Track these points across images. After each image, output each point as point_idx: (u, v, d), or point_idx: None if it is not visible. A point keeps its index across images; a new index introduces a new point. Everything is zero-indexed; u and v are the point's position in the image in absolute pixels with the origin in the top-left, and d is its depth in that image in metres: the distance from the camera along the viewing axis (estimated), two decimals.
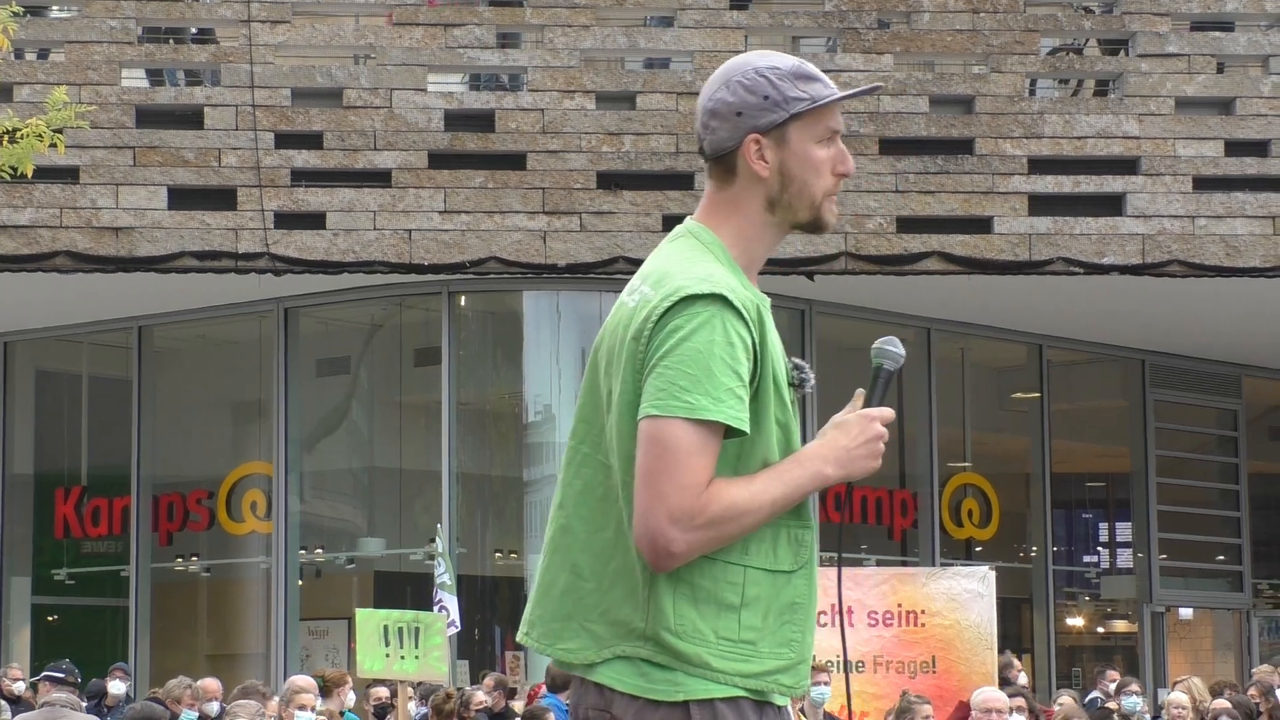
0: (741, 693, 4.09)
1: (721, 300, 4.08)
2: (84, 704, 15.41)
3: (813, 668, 16.86)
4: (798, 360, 4.43)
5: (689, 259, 4.27)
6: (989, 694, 14.15)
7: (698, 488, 3.96)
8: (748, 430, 4.05)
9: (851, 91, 4.51)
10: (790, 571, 4.17)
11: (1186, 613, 28.73)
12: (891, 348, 4.43)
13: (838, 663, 18.10)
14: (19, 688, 19.42)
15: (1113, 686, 20.46)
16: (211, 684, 17.79)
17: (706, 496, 3.97)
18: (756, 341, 4.14)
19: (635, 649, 4.08)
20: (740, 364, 4.05)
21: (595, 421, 4.30)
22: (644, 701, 4.08)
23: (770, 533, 4.13)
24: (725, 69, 4.36)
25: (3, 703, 18.22)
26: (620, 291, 4.26)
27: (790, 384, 4.34)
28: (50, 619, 26.77)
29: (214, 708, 17.01)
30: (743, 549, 4.08)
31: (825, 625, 18.63)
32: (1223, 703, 16.88)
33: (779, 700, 4.22)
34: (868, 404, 4.36)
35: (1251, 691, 18.50)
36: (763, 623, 4.11)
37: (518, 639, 4.37)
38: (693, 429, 3.96)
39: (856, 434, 4.28)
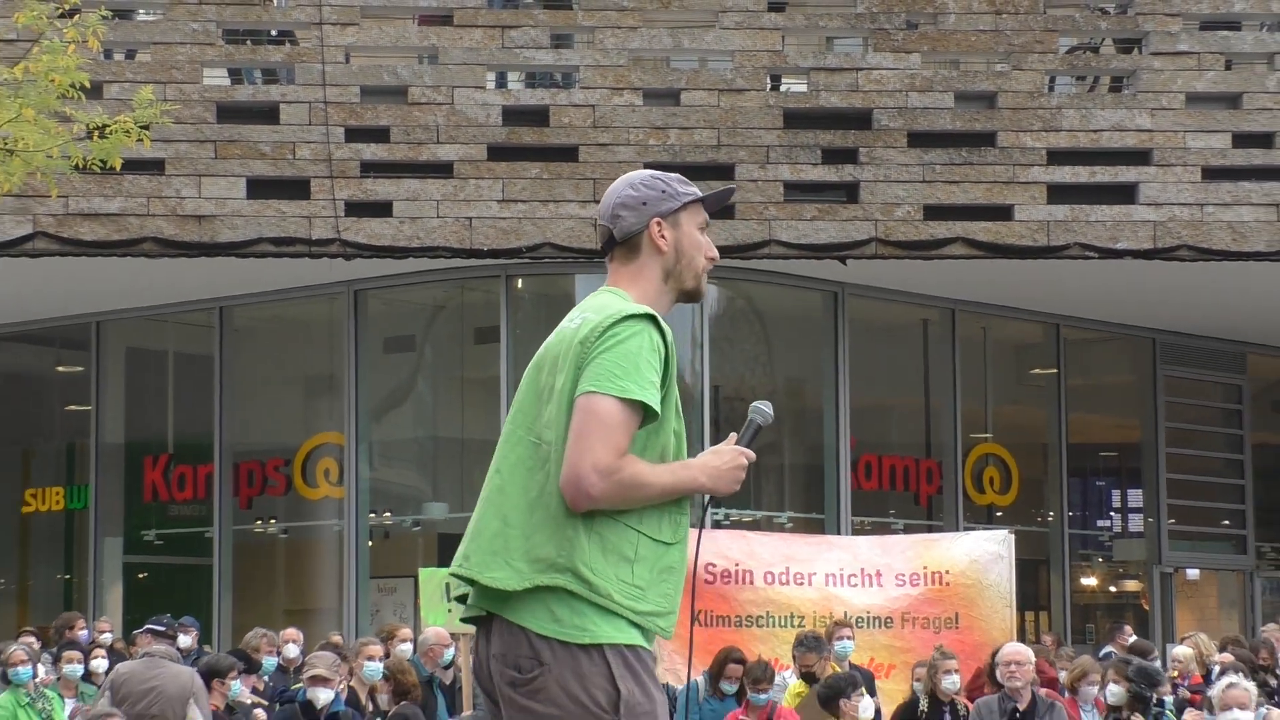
0: (636, 638, 4.77)
1: (650, 318, 4.90)
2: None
3: (836, 623, 17.02)
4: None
5: (622, 299, 5.06)
6: (1012, 648, 14.18)
7: (619, 450, 4.72)
8: (658, 412, 4.83)
9: (714, 192, 5.41)
10: (669, 544, 4.91)
11: (1193, 574, 28.69)
12: (765, 408, 5.30)
13: (866, 619, 18.17)
14: (106, 638, 19.53)
15: (1130, 641, 20.45)
16: (291, 631, 17.91)
17: (623, 460, 4.73)
18: (669, 359, 4.92)
19: (552, 579, 4.72)
20: (656, 369, 4.84)
21: (530, 411, 5.03)
22: (570, 649, 4.70)
23: (657, 512, 4.87)
24: (626, 178, 5.26)
25: (103, 652, 18.34)
26: None
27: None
28: (140, 576, 26.90)
29: (292, 649, 17.11)
30: (639, 518, 4.83)
31: (856, 585, 18.73)
32: (1226, 656, 16.88)
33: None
34: (739, 443, 5.14)
35: (1263, 654, 18.45)
36: (649, 576, 4.82)
37: (452, 569, 5.02)
38: (620, 406, 4.74)
39: (728, 460, 5.05)
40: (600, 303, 5.00)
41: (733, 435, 5.13)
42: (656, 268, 5.12)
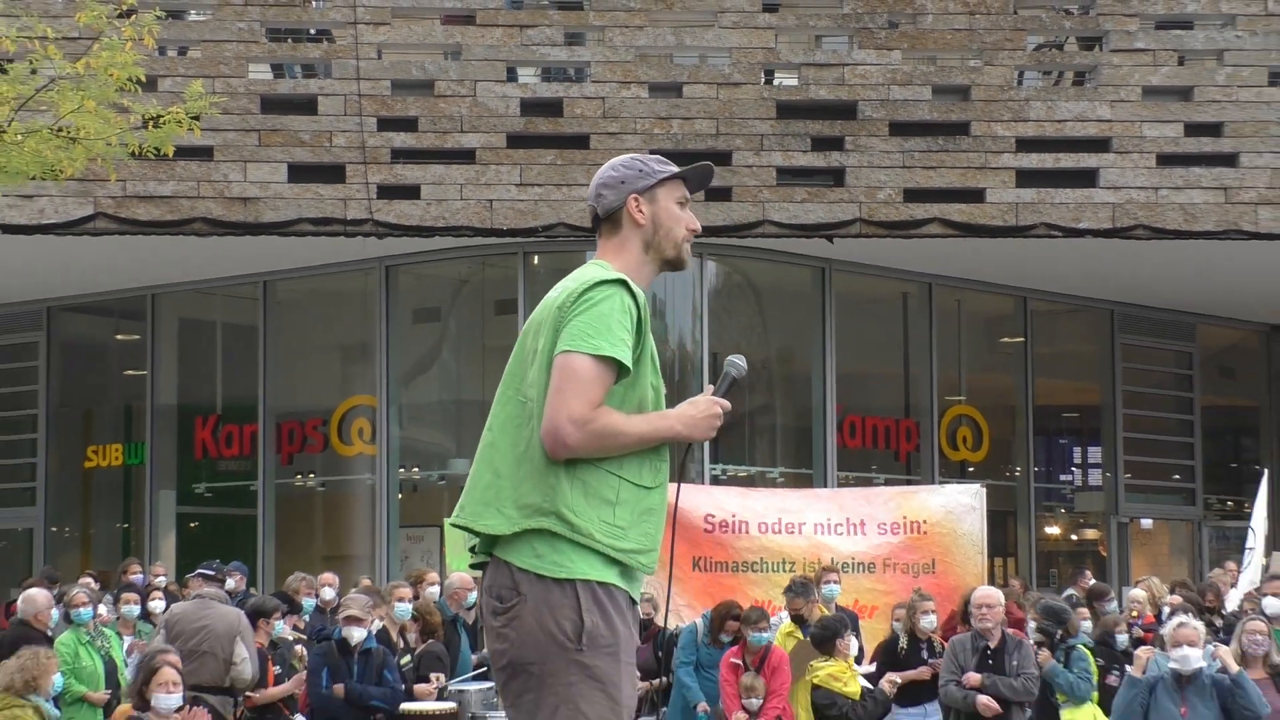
0: (612, 574, 4.83)
1: (622, 283, 4.95)
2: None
3: (824, 568, 17.03)
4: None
5: (603, 269, 5.12)
6: (983, 592, 14.18)
7: (593, 403, 4.79)
8: (630, 366, 4.89)
9: (692, 167, 5.33)
10: (650, 488, 4.96)
11: (1147, 523, 28.69)
12: (739, 362, 5.33)
13: (851, 565, 18.19)
14: (161, 582, 19.59)
15: (1088, 581, 20.44)
16: (328, 576, 17.94)
17: (597, 412, 4.80)
18: (641, 319, 4.97)
19: (538, 522, 4.79)
20: (628, 328, 4.89)
21: (518, 374, 5.18)
22: (545, 582, 4.78)
23: (638, 459, 4.91)
24: (609, 163, 5.32)
25: (159, 594, 18.37)
26: None
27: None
28: (191, 525, 26.92)
29: (329, 592, 17.13)
30: (619, 465, 4.89)
31: (842, 534, 18.73)
32: (1176, 598, 16.88)
33: (636, 590, 5.00)
34: (715, 394, 5.19)
35: (1209, 597, 18.45)
36: (630, 518, 4.87)
37: (451, 520, 5.22)
38: (593, 362, 4.81)
39: (703, 409, 5.08)
40: (581, 273, 5.07)
41: (710, 387, 5.21)
42: (637, 240, 5.13)
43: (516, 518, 4.77)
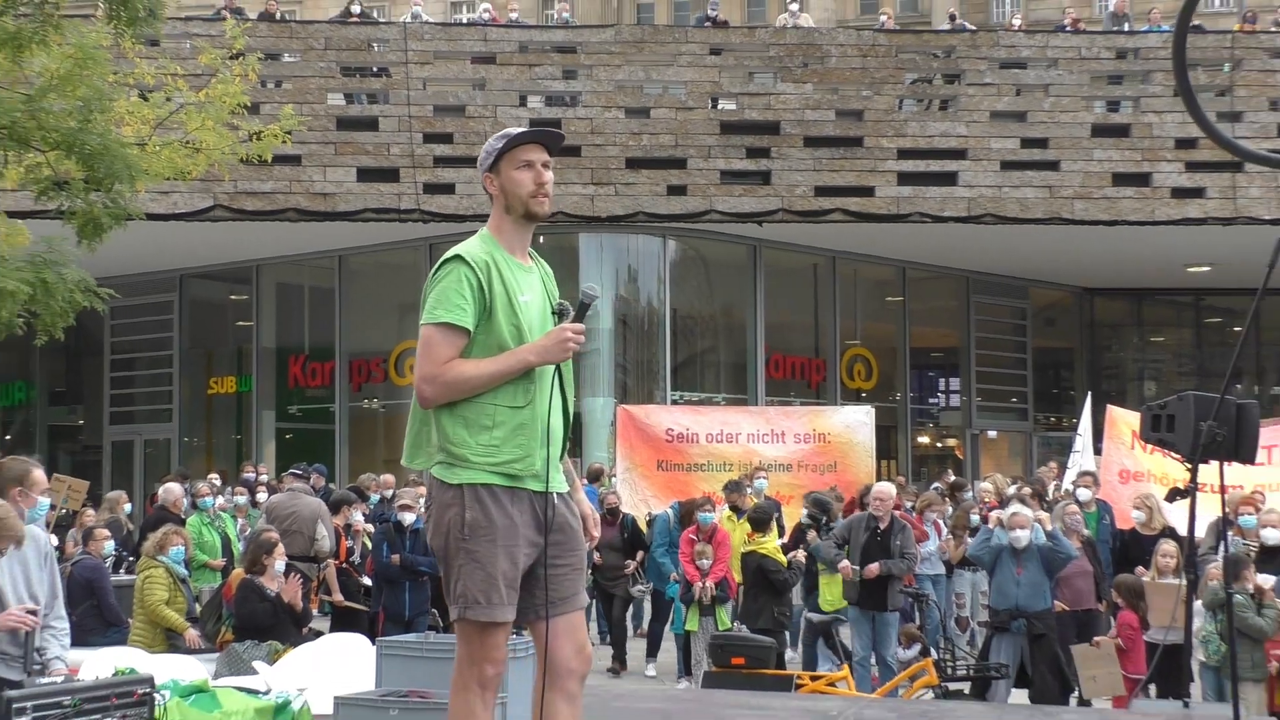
0: (493, 479, 4.58)
1: (458, 258, 4.71)
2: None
3: (755, 468, 16.97)
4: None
5: (472, 239, 4.87)
6: (880, 486, 14.11)
7: (438, 361, 4.57)
8: (468, 326, 4.63)
9: (522, 131, 4.92)
10: (521, 407, 4.64)
11: (992, 434, 28.84)
12: (592, 290, 4.84)
13: (774, 465, 18.20)
14: (263, 479, 19.57)
15: (950, 478, 20.45)
16: (388, 477, 17.88)
17: (445, 368, 4.57)
18: (484, 282, 4.68)
19: (440, 456, 4.63)
20: (463, 293, 4.64)
21: None
22: (444, 487, 4.61)
23: (511, 386, 4.62)
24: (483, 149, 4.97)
25: (263, 488, 18.33)
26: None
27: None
28: (286, 437, 26.87)
29: (390, 491, 17.09)
30: (494, 394, 4.63)
31: (768, 443, 18.70)
32: (1013, 489, 16.88)
33: (533, 485, 4.65)
34: (574, 320, 4.74)
35: (1038, 488, 18.46)
36: (504, 435, 4.60)
37: (403, 462, 4.93)
38: (435, 329, 4.61)
39: (554, 338, 4.66)
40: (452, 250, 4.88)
41: (572, 315, 4.82)
42: (499, 206, 4.86)
43: (433, 455, 4.63)
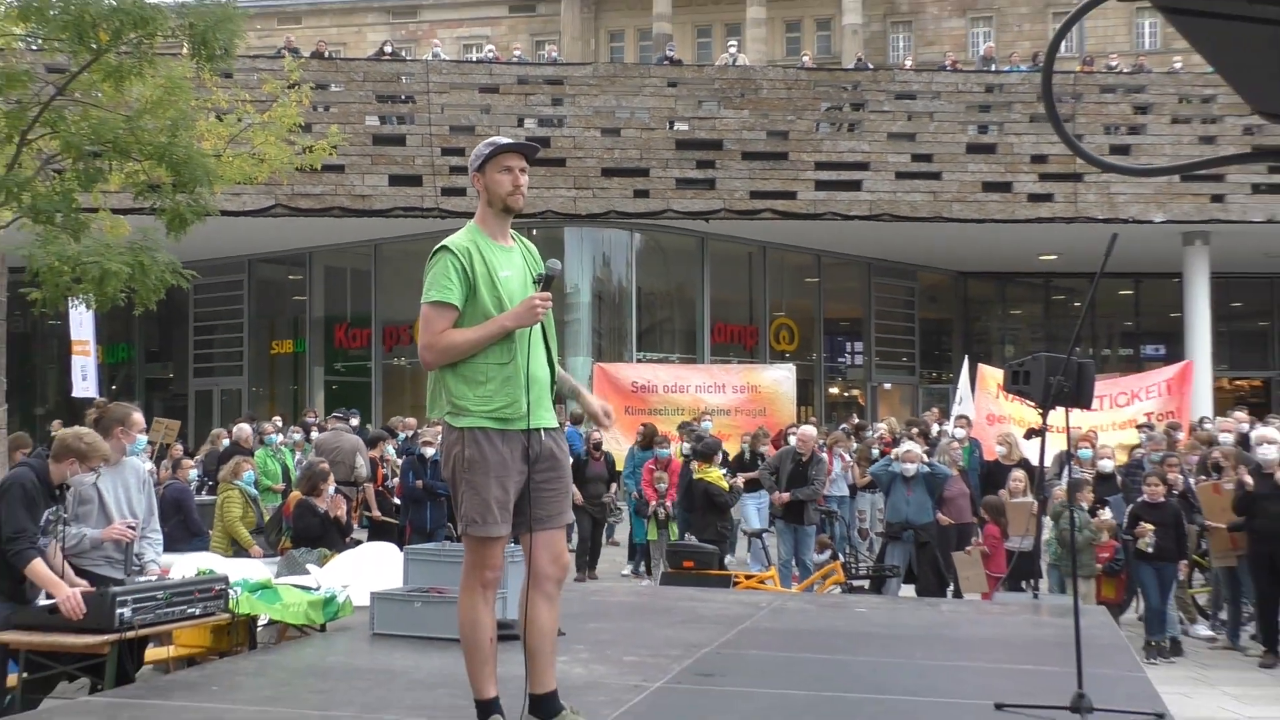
0: (487, 424, 4.45)
1: (444, 249, 4.53)
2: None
3: (702, 412, 16.94)
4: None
5: (460, 231, 4.67)
6: (805, 428, 14.16)
7: (434, 332, 4.48)
8: (455, 302, 4.48)
9: (507, 143, 4.68)
10: (505, 363, 4.48)
11: (888, 387, 28.92)
12: (554, 265, 4.63)
13: (717, 410, 18.20)
14: (313, 420, 19.46)
15: (855, 420, 20.49)
16: (412, 420, 17.81)
17: (439, 337, 4.47)
18: (466, 265, 4.51)
19: (447, 407, 4.50)
20: (450, 277, 4.49)
21: None
22: (450, 429, 4.50)
23: (498, 346, 4.47)
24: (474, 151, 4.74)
25: (314, 427, 18.24)
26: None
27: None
28: (333, 388, 26.77)
29: (414, 430, 17.03)
30: (484, 354, 4.49)
31: (712, 392, 18.67)
32: (905, 431, 16.94)
33: (519, 425, 4.49)
34: (541, 290, 4.53)
35: (923, 428, 18.53)
36: (495, 387, 4.47)
37: (427, 414, 4.87)
38: (430, 307, 4.50)
39: (525, 305, 4.48)
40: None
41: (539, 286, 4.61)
42: (484, 200, 4.62)
43: (443, 406, 4.51)
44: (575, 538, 14.88)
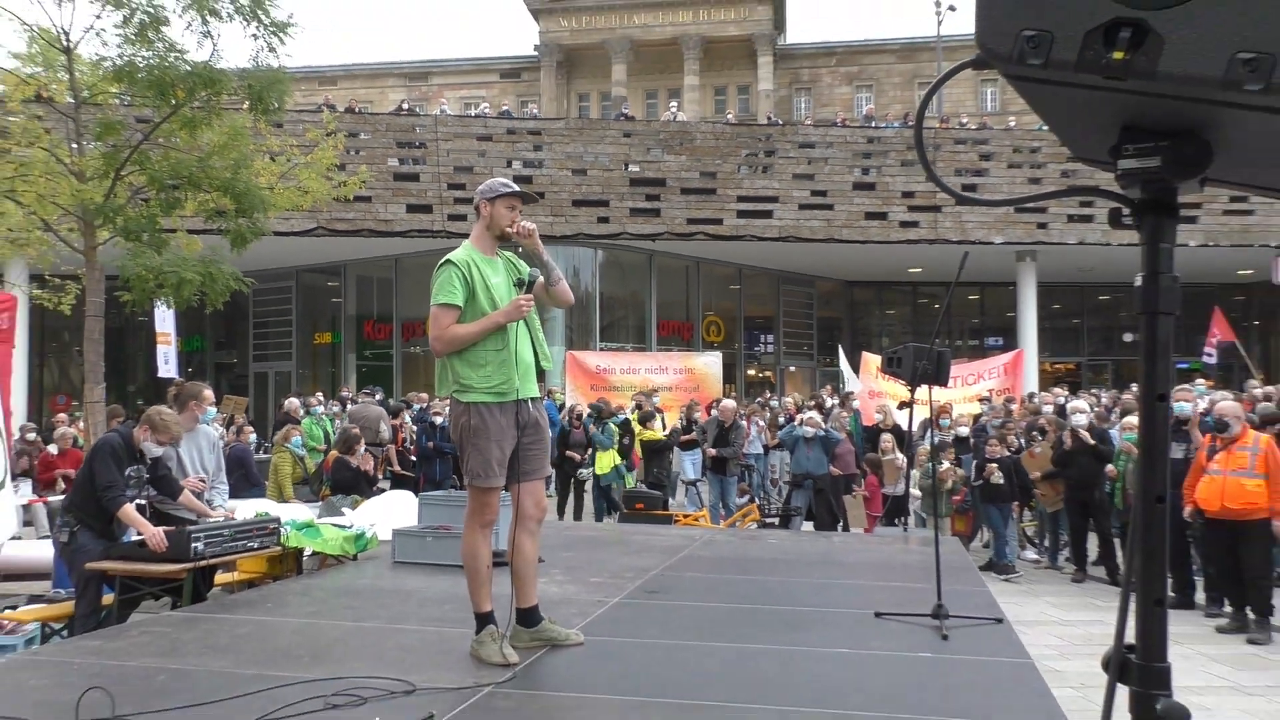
0: (488, 399, 4.33)
1: (449, 262, 4.37)
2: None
3: (651, 389, 16.84)
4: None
5: (458, 248, 4.50)
6: (727, 401, 14.15)
7: (442, 327, 4.31)
8: (458, 304, 4.33)
9: (516, 190, 4.56)
10: (500, 349, 4.36)
11: (793, 369, 29.00)
12: (535, 272, 4.51)
13: (661, 388, 18.16)
14: (347, 395, 19.25)
15: (770, 399, 20.47)
16: (424, 395, 17.64)
17: (445, 331, 4.31)
18: (466, 274, 4.36)
19: (456, 386, 4.36)
20: (454, 284, 4.33)
21: None
22: (456, 403, 4.37)
23: (494, 336, 4.35)
24: (485, 182, 4.54)
25: (348, 401, 18.03)
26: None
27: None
28: (362, 370, 26.50)
29: (426, 403, 16.88)
30: (484, 343, 4.35)
31: (656, 374, 18.59)
32: (806, 404, 16.96)
33: (511, 398, 4.38)
34: (525, 292, 4.42)
35: (821, 400, 18.56)
36: (493, 370, 4.34)
37: (435, 392, 4.62)
38: (438, 307, 4.33)
39: (512, 304, 4.37)
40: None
41: (525, 288, 4.48)
42: (483, 223, 4.47)
43: (451, 386, 4.39)
44: (554, 487, 14.82)
